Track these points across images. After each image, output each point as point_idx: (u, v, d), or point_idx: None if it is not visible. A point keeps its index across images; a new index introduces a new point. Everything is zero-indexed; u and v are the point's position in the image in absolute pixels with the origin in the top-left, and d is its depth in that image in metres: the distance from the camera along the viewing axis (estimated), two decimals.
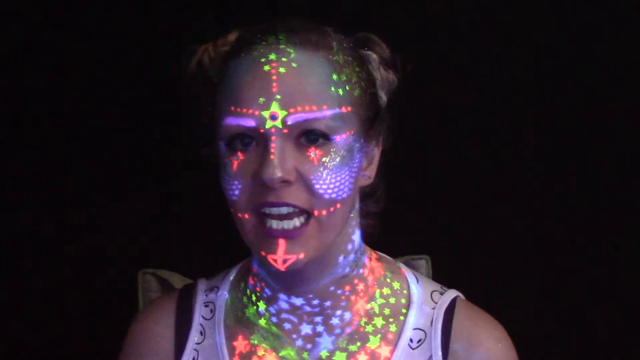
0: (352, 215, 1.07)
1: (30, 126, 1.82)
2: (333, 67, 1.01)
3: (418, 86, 1.75)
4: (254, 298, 1.11)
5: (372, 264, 1.12)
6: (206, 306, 1.14)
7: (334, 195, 0.99)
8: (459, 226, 1.81)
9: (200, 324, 1.13)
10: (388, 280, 1.12)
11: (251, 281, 1.11)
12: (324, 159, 0.99)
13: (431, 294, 1.12)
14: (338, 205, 1.00)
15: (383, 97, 1.10)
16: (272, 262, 0.99)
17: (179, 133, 1.78)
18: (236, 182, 1.00)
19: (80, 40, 1.81)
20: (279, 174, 0.96)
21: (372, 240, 1.13)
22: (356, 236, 1.09)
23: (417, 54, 1.75)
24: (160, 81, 1.79)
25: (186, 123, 1.10)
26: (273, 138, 0.97)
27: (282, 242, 0.99)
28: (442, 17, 1.78)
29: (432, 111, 1.78)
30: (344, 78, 1.02)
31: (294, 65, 0.99)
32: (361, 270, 1.09)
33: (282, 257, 0.99)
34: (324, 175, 0.98)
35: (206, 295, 1.15)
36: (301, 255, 0.99)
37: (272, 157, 0.97)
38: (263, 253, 1.00)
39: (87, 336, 1.83)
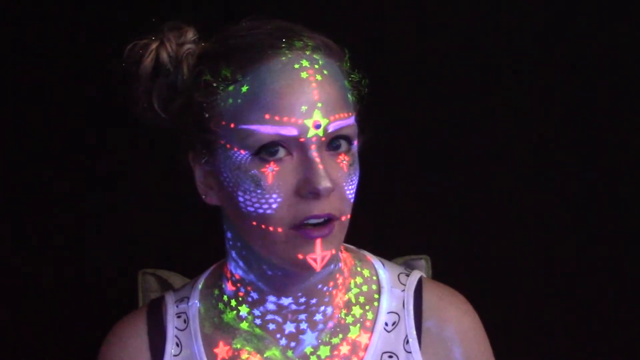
0: None
1: (29, 125, 1.82)
2: (343, 73, 1.03)
3: (417, 86, 1.76)
4: (233, 303, 1.10)
5: (344, 255, 1.13)
6: (178, 317, 1.13)
7: (353, 200, 1.01)
8: (459, 226, 1.81)
9: (175, 336, 1.12)
10: (358, 269, 1.14)
11: (231, 288, 1.10)
12: (350, 165, 1.00)
13: (398, 277, 1.14)
14: (352, 208, 1.02)
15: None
16: (311, 262, 0.98)
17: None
18: (274, 196, 0.97)
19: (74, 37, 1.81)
20: (329, 184, 0.96)
21: (372, 239, 1.13)
22: None
23: (414, 55, 1.76)
24: None
25: (140, 122, 1.06)
26: (313, 147, 0.96)
27: (319, 242, 0.98)
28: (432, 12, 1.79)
29: (432, 111, 1.78)
30: (349, 85, 1.03)
31: (325, 72, 0.99)
32: (339, 264, 1.10)
33: (320, 254, 0.98)
34: (352, 181, 1.00)
35: (177, 306, 1.14)
36: (333, 251, 1.00)
37: (320, 166, 0.96)
38: (300, 256, 0.98)
39: (87, 336, 1.83)
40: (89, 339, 1.81)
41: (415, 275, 1.14)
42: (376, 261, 1.15)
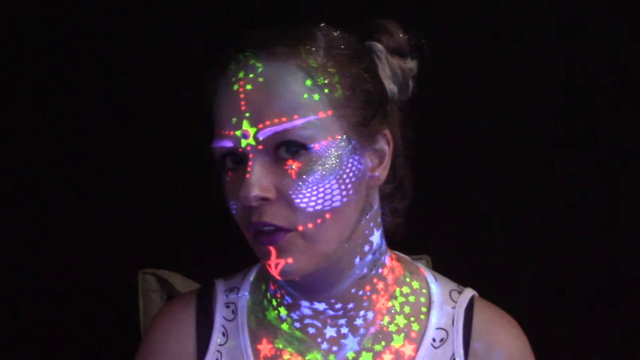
0: (367, 217, 1.05)
1: (31, 125, 1.82)
2: (306, 73, 0.98)
3: (417, 86, 1.76)
4: (274, 303, 1.10)
5: (393, 263, 1.11)
6: (227, 307, 1.13)
7: (318, 207, 0.98)
8: (459, 226, 1.81)
9: (223, 325, 1.12)
10: (407, 279, 1.12)
11: (272, 287, 1.11)
12: (302, 171, 0.97)
13: (450, 293, 1.12)
14: (327, 216, 0.98)
15: (393, 89, 1.08)
16: (268, 269, 1.00)
17: (179, 133, 1.78)
18: (232, 202, 1.01)
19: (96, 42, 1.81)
20: (253, 192, 0.96)
21: (391, 237, 1.12)
22: (375, 237, 1.07)
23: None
24: (161, 82, 1.79)
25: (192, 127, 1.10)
26: (250, 156, 0.97)
27: (272, 248, 0.99)
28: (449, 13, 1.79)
29: (431, 111, 1.78)
30: (322, 82, 0.99)
31: (260, 80, 0.98)
32: (380, 270, 1.08)
33: (274, 261, 0.99)
34: (304, 188, 0.97)
35: (227, 296, 1.14)
36: (289, 260, 0.98)
37: (247, 175, 0.97)
38: (263, 261, 1.01)
39: (88, 336, 1.83)
40: (90, 339, 1.82)
41: (468, 293, 1.13)
42: (429, 275, 1.14)
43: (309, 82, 0.98)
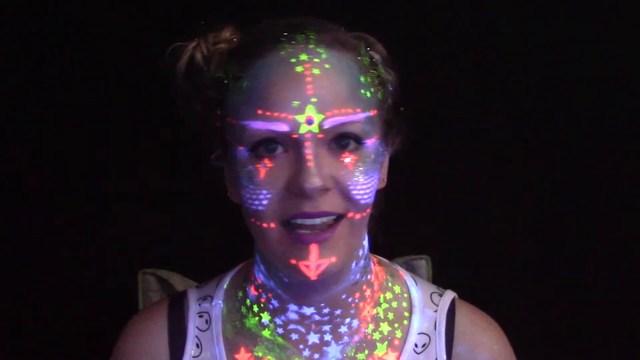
0: None
1: (31, 123, 1.82)
2: (360, 68, 0.98)
3: (417, 85, 1.76)
4: (255, 309, 1.07)
5: (376, 268, 1.10)
6: (200, 316, 1.09)
7: (368, 200, 0.97)
8: (459, 226, 1.81)
9: (196, 336, 1.08)
10: (389, 284, 1.10)
11: (254, 292, 1.07)
12: (358, 164, 0.95)
13: (431, 296, 1.11)
14: (368, 210, 0.98)
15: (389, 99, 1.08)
16: (304, 269, 0.95)
17: (179, 132, 1.78)
18: (264, 192, 0.94)
19: (84, 37, 1.81)
20: (319, 182, 0.92)
21: (372, 239, 1.12)
22: (365, 241, 1.06)
23: (414, 53, 1.76)
24: (158, 78, 1.79)
25: (185, 124, 1.06)
26: (308, 144, 0.93)
27: (314, 247, 0.95)
28: (439, 15, 1.79)
29: (432, 111, 1.78)
30: (369, 80, 0.99)
31: (326, 66, 0.95)
32: (369, 276, 1.07)
33: (315, 262, 0.95)
34: (360, 180, 0.95)
35: (199, 305, 1.10)
36: (333, 259, 0.95)
37: (309, 164, 0.92)
38: (293, 261, 0.96)
39: (87, 336, 1.83)
40: (89, 339, 1.82)
41: (449, 296, 1.12)
42: (409, 278, 1.12)
43: (362, 79, 0.98)
